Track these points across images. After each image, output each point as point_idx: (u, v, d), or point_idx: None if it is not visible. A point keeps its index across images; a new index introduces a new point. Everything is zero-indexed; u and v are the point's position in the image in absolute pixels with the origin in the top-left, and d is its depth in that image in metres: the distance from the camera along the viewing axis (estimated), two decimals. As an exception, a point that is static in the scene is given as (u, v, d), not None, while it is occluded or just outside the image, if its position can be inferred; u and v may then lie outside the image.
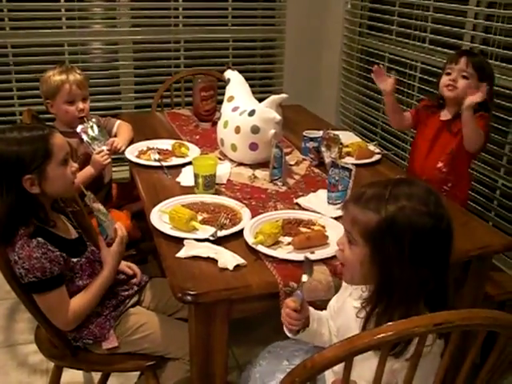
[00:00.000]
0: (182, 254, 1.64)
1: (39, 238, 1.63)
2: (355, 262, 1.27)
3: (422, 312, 1.19)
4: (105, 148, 2.42)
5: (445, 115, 2.40)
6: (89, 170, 2.41)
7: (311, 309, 1.49)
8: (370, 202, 1.22)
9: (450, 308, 1.16)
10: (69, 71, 2.47)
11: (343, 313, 1.44)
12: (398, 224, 1.18)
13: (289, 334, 1.47)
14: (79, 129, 2.42)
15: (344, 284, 1.49)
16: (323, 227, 1.83)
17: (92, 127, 2.44)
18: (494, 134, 2.68)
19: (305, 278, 1.44)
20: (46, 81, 2.46)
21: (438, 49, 3.15)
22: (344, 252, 1.30)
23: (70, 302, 1.71)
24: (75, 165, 1.79)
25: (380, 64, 2.56)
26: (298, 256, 1.64)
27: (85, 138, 2.42)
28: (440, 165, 2.37)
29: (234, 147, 2.37)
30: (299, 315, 1.39)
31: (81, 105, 2.48)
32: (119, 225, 1.89)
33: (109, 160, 2.42)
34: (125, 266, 2.03)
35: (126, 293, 1.93)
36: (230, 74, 2.64)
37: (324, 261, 1.62)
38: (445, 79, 2.34)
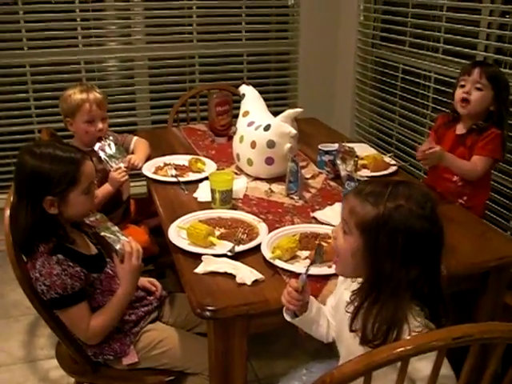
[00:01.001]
0: (200, 269, 1.66)
1: (59, 255, 1.65)
2: (347, 251, 1.31)
3: (413, 310, 1.25)
4: (122, 165, 2.44)
5: (460, 129, 2.40)
6: (107, 188, 2.42)
7: (312, 298, 1.51)
8: (370, 196, 1.27)
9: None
10: (89, 90, 2.49)
11: (338, 308, 1.47)
12: (393, 221, 1.23)
13: (286, 317, 1.49)
14: (97, 147, 2.44)
15: (339, 280, 1.53)
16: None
17: (109, 145, 2.46)
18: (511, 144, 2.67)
19: (313, 262, 1.49)
20: (67, 99, 2.47)
21: (452, 59, 3.16)
22: (337, 241, 1.35)
23: (91, 318, 1.72)
24: (97, 193, 1.82)
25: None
26: (316, 270, 1.64)
27: (102, 155, 2.44)
28: (456, 178, 2.36)
29: (250, 162, 2.39)
30: (299, 296, 1.41)
31: (100, 125, 2.49)
32: (128, 241, 1.79)
33: (126, 177, 2.43)
34: (146, 281, 2.04)
35: (146, 308, 1.94)
36: (244, 89, 2.66)
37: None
38: (459, 92, 2.33)
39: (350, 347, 1.35)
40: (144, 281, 2.02)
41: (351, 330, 1.31)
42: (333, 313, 1.55)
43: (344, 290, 1.46)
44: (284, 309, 1.49)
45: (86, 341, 1.77)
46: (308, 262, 1.71)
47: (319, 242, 1.64)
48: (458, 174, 2.32)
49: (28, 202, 1.66)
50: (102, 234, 1.77)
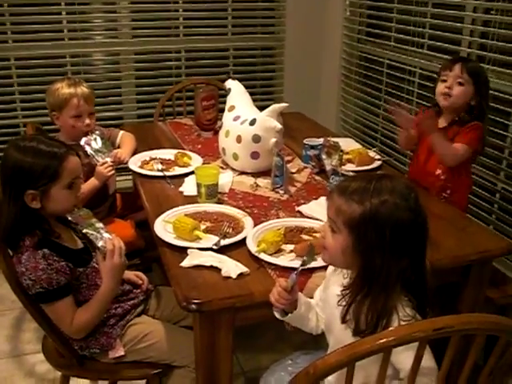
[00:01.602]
0: (186, 263, 1.67)
1: (45, 250, 1.65)
2: (338, 249, 1.34)
3: (402, 300, 1.29)
4: (108, 159, 2.43)
5: (441, 123, 2.42)
6: (93, 182, 2.42)
7: (300, 294, 1.54)
8: (355, 194, 1.29)
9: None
10: (77, 84, 2.48)
11: (328, 301, 1.49)
12: (380, 216, 1.26)
13: (276, 315, 1.51)
14: (83, 141, 2.44)
15: (328, 272, 1.55)
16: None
17: (96, 139, 2.46)
18: (493, 138, 2.71)
19: (304, 262, 1.50)
20: (54, 93, 2.46)
21: (436, 54, 3.18)
22: (326, 239, 1.37)
23: (75, 313, 1.72)
24: (82, 188, 1.82)
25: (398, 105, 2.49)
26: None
27: (88, 150, 2.43)
28: (438, 172, 2.39)
29: (235, 156, 2.40)
30: (288, 295, 1.43)
31: (87, 120, 2.49)
32: (110, 238, 1.75)
33: (112, 171, 2.43)
34: (132, 274, 2.05)
35: (132, 302, 1.95)
36: (230, 83, 2.67)
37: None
38: (441, 87, 2.36)
39: (341, 337, 1.37)
40: (130, 274, 2.03)
41: (343, 322, 1.34)
42: (321, 305, 1.57)
43: (332, 283, 1.48)
44: (273, 308, 1.51)
45: (71, 335, 1.78)
46: (293, 255, 1.74)
47: (311, 243, 1.64)
48: (439, 155, 2.34)
49: (10, 195, 1.67)
50: (84, 231, 1.74)
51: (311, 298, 1.61)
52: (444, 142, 2.29)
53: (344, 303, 1.34)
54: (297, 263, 1.66)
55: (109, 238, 1.73)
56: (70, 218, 1.73)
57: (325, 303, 1.54)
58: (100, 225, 1.78)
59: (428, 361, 1.23)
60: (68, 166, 1.71)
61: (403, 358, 1.20)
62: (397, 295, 1.29)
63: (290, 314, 1.51)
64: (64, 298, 1.69)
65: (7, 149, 1.71)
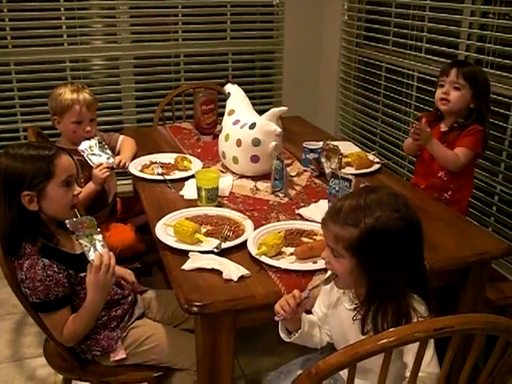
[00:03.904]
0: (187, 266, 1.68)
1: (45, 260, 1.66)
2: (344, 272, 1.37)
3: (411, 301, 1.33)
4: (104, 161, 2.44)
5: (443, 127, 2.45)
6: (90, 186, 2.41)
7: (303, 313, 1.55)
8: (348, 218, 1.33)
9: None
10: (80, 90, 2.48)
11: (336, 316, 1.52)
12: (377, 234, 1.30)
13: (282, 335, 1.55)
14: (80, 147, 2.43)
15: (326, 289, 1.57)
16: (324, 237, 1.86)
17: (94, 145, 2.46)
18: (492, 141, 2.72)
19: (321, 283, 1.51)
20: (56, 98, 2.46)
21: (434, 58, 3.20)
22: (331, 264, 1.40)
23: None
24: (78, 189, 1.81)
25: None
26: (301, 266, 1.68)
27: (84, 154, 2.43)
28: (441, 173, 2.41)
29: (235, 160, 2.41)
30: (294, 304, 1.44)
31: (88, 127, 2.49)
32: (100, 253, 1.69)
33: (107, 173, 2.41)
34: (126, 273, 2.08)
35: (130, 298, 1.96)
36: (230, 87, 2.68)
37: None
38: (438, 92, 2.39)
39: None
40: (126, 273, 2.06)
41: (364, 334, 1.36)
42: (327, 321, 1.60)
43: (337, 300, 1.52)
44: (280, 327, 1.54)
45: (62, 343, 1.78)
46: (294, 258, 1.75)
47: (312, 246, 1.73)
48: (440, 162, 2.37)
49: (5, 199, 1.68)
50: (80, 241, 1.70)
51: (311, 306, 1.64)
52: (442, 151, 2.32)
53: (359, 316, 1.38)
54: (297, 266, 1.68)
55: (100, 253, 1.69)
56: (67, 226, 1.71)
57: (333, 319, 1.55)
58: (99, 237, 1.74)
59: (435, 368, 1.28)
60: (60, 163, 1.72)
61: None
62: (408, 299, 1.33)
63: (295, 335, 1.53)
64: (59, 310, 1.70)
65: None
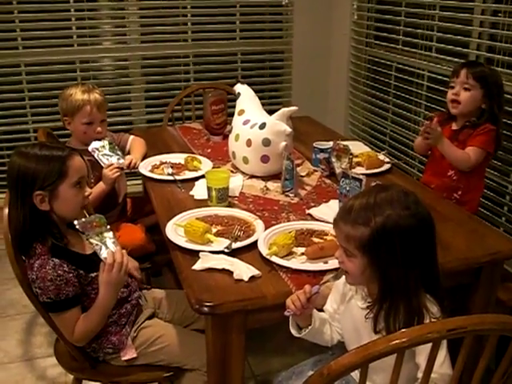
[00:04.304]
0: (197, 266, 1.68)
1: (55, 260, 1.67)
2: (357, 271, 1.38)
3: (423, 300, 1.33)
4: (114, 161, 2.44)
5: (454, 126, 2.44)
6: (100, 186, 2.42)
7: (314, 310, 1.55)
8: (359, 217, 1.33)
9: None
10: (91, 91, 2.48)
11: (348, 313, 1.52)
12: (388, 231, 1.30)
13: (293, 331, 1.54)
14: (90, 147, 2.44)
15: (338, 287, 1.57)
16: (335, 237, 1.85)
17: (105, 145, 2.46)
18: (503, 141, 2.70)
19: (330, 279, 1.53)
20: (67, 98, 2.46)
21: (445, 57, 3.18)
22: (344, 264, 1.41)
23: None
24: (89, 190, 1.82)
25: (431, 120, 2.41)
26: (312, 266, 1.68)
27: (95, 154, 2.44)
28: (451, 173, 2.40)
29: (245, 160, 2.40)
30: (306, 302, 1.44)
31: (99, 128, 2.50)
32: (113, 251, 1.71)
33: (118, 173, 2.41)
34: (134, 270, 2.10)
35: (136, 294, 1.97)
36: (239, 87, 2.67)
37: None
38: (449, 94, 2.40)
39: None
40: (132, 269, 2.08)
41: (376, 333, 1.36)
42: (339, 318, 1.60)
43: (351, 299, 1.52)
44: (290, 323, 1.54)
45: (72, 343, 1.78)
46: (304, 258, 1.74)
47: (322, 246, 1.73)
48: (451, 162, 2.36)
49: (17, 199, 1.69)
50: (90, 240, 1.71)
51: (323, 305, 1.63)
52: (452, 150, 2.31)
53: (372, 315, 1.38)
54: (308, 266, 1.68)
55: (112, 251, 1.70)
56: (76, 226, 1.71)
57: (345, 317, 1.55)
58: (109, 234, 1.75)
59: (448, 369, 1.28)
60: (73, 164, 1.73)
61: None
62: (420, 298, 1.33)
63: (305, 330, 1.53)
64: (70, 310, 1.71)
65: (12, 156, 1.74)
